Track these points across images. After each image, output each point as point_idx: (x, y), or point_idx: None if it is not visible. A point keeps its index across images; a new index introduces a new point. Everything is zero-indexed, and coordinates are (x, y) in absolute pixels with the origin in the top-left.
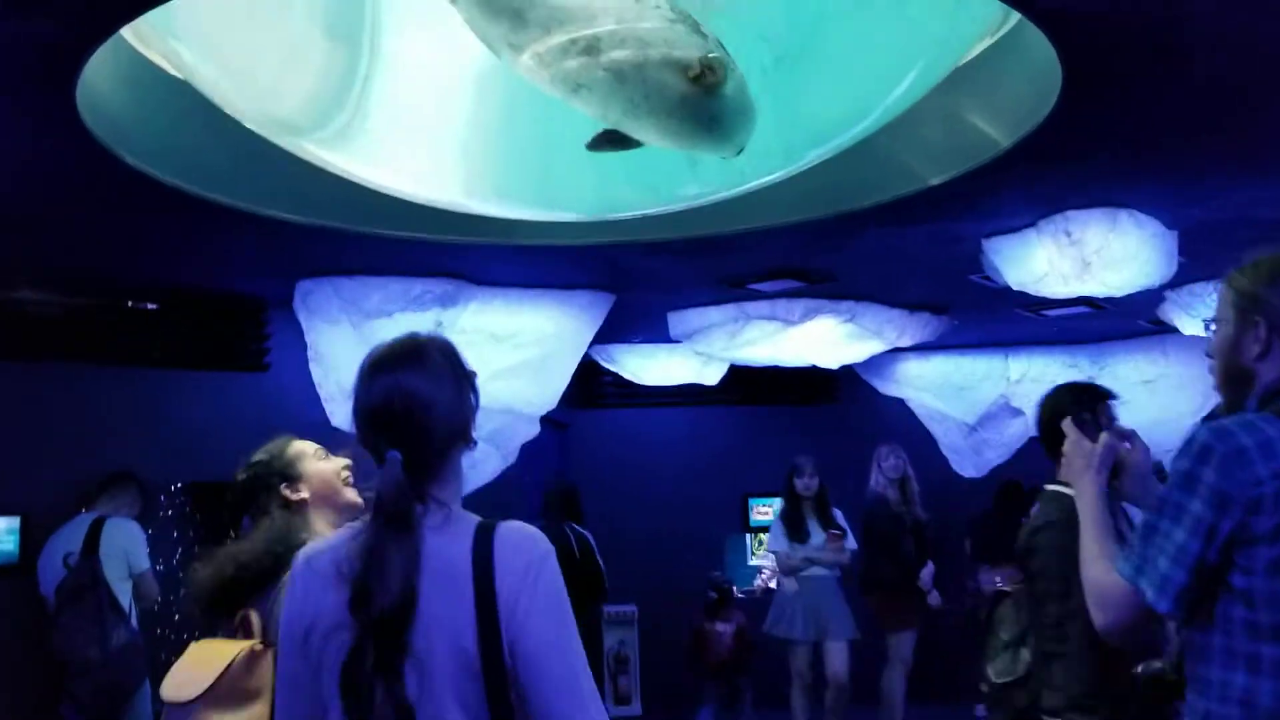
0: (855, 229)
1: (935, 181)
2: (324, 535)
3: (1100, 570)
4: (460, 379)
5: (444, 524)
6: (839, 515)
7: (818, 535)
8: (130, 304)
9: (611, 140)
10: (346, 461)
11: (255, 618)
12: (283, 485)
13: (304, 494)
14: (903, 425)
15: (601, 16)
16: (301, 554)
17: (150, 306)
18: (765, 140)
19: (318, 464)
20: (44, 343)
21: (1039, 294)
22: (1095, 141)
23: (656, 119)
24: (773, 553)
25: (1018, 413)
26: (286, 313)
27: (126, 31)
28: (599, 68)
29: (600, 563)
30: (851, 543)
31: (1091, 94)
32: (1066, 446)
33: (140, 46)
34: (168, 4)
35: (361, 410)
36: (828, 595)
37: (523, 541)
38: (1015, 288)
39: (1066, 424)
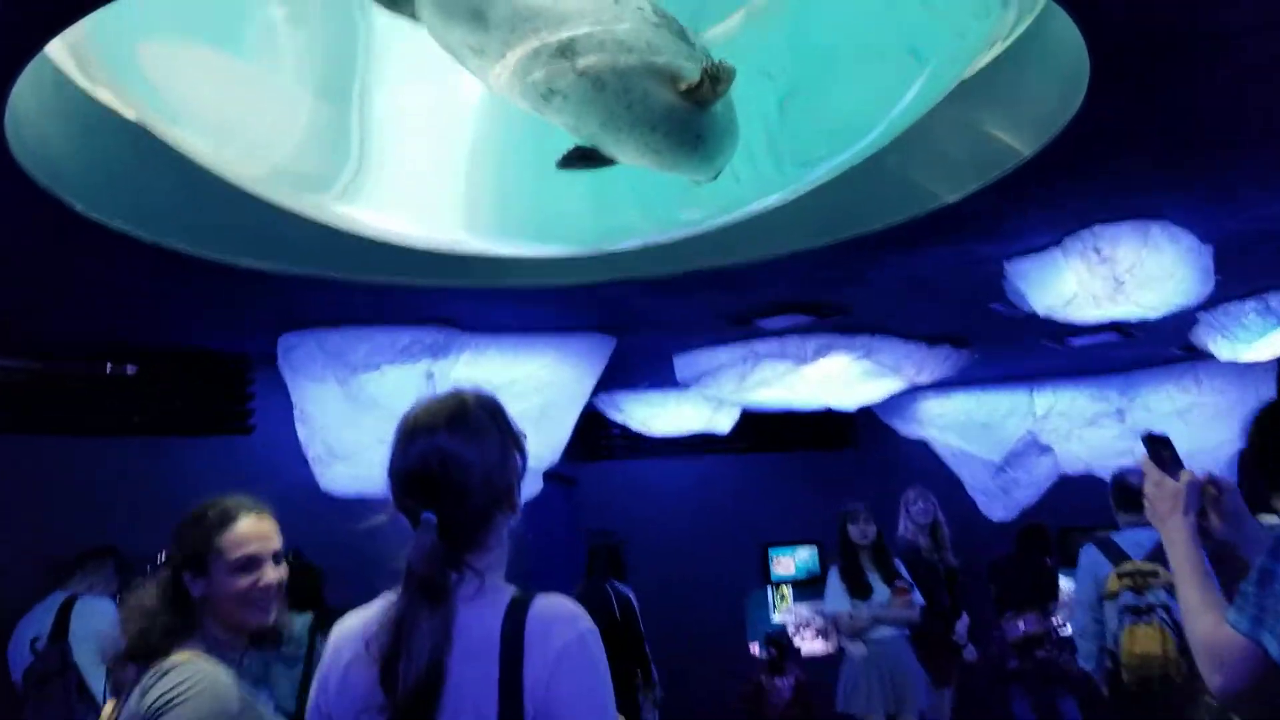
0: (867, 255)
1: (951, 199)
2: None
3: (1209, 624)
4: (505, 439)
5: (477, 595)
6: (901, 566)
7: (881, 590)
8: (110, 368)
9: (584, 157)
10: (279, 578)
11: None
12: (185, 569)
13: (200, 590)
14: (927, 467)
15: (575, 17)
16: (335, 629)
17: (130, 370)
18: (767, 159)
19: (237, 571)
20: (11, 413)
21: (1067, 319)
22: (1124, 144)
23: (638, 132)
24: (832, 614)
25: (1046, 449)
26: (271, 370)
27: (78, 76)
28: (574, 72)
29: (641, 629)
30: (919, 596)
31: (1121, 90)
32: (1147, 487)
33: (92, 89)
34: (132, 52)
35: (397, 472)
36: (901, 659)
37: (556, 621)
38: (1042, 313)
39: (1145, 462)
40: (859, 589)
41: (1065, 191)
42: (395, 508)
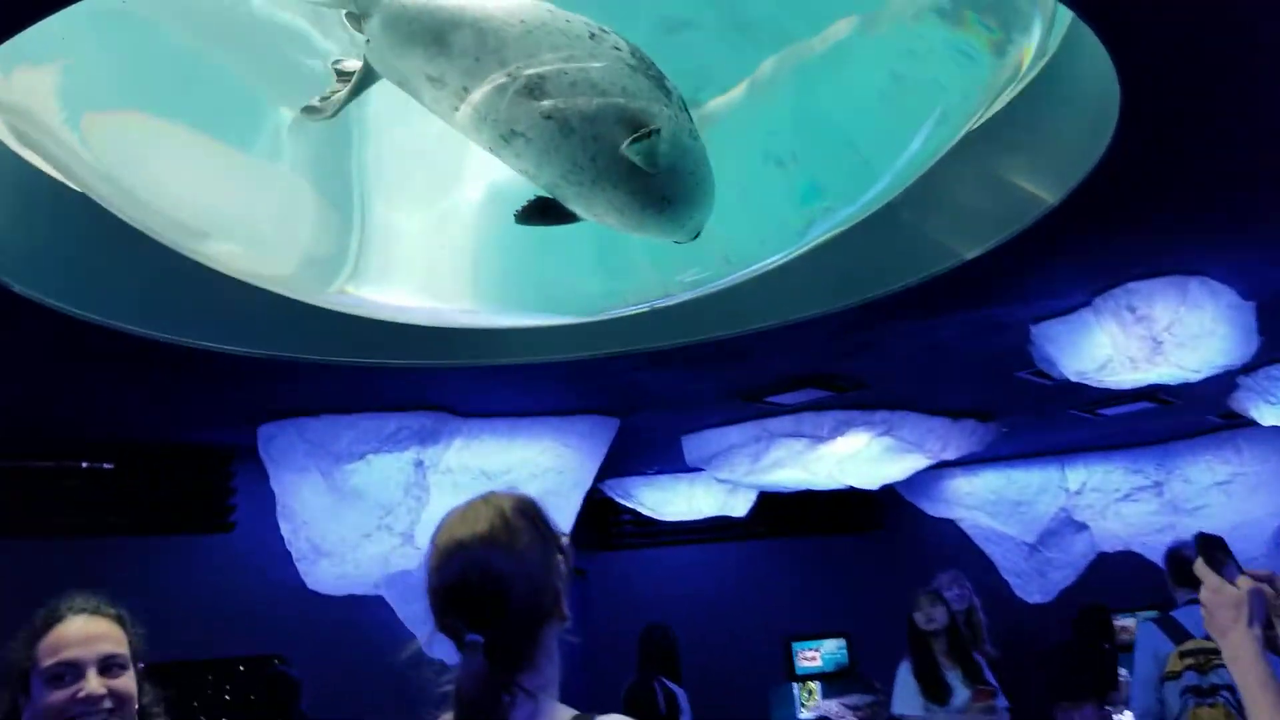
0: (883, 321)
1: (971, 255)
2: None
3: None
4: (547, 544)
5: (532, 719)
6: (984, 664)
7: (961, 692)
8: (85, 464)
9: (544, 211)
10: (120, 688)
11: None
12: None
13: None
14: (957, 549)
15: (546, 52)
16: None
17: (106, 466)
18: (769, 215)
19: (50, 682)
20: None
21: (1101, 384)
22: (1157, 189)
23: (600, 187)
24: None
25: (1082, 527)
26: (254, 463)
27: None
28: (540, 113)
29: None
30: (1004, 700)
31: (1154, 127)
32: (1204, 595)
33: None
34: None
35: (435, 590)
36: None
37: None
38: (1074, 379)
39: (1200, 567)
40: (935, 691)
41: (1095, 244)
42: (436, 628)
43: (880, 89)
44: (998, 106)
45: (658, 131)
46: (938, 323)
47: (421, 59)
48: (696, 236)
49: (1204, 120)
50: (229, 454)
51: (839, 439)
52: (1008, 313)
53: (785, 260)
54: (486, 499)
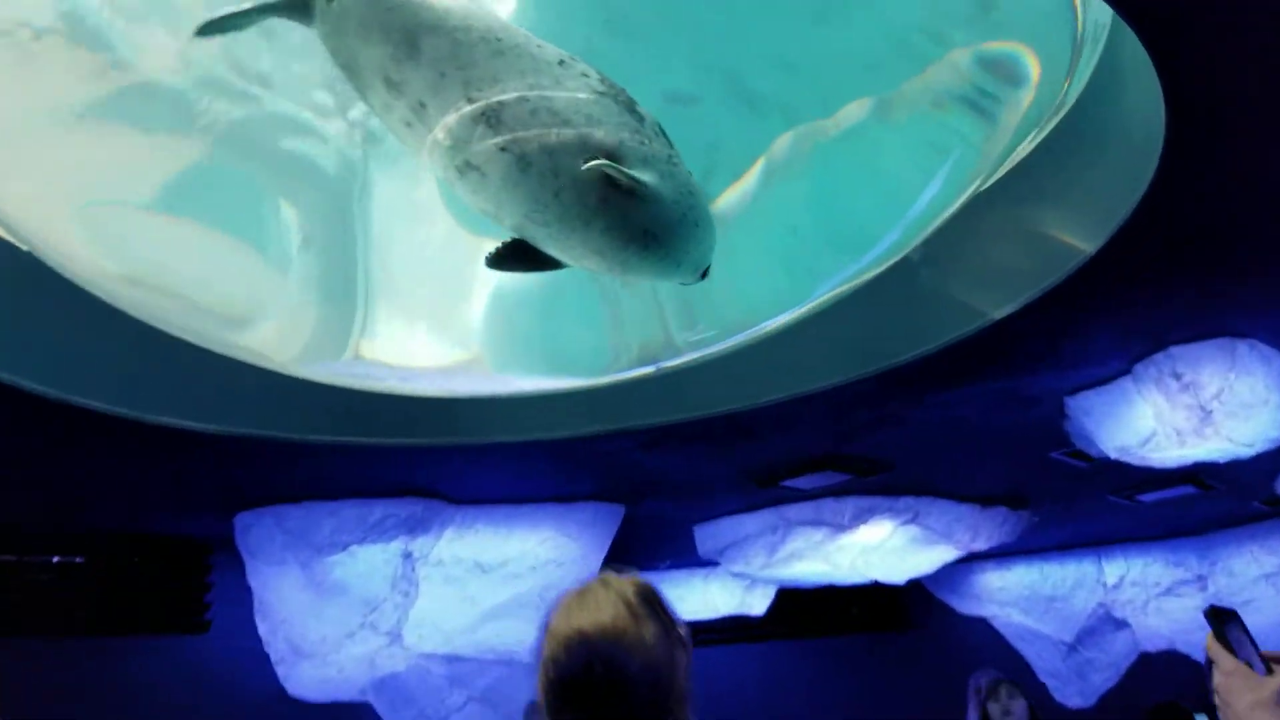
0: (903, 394)
1: (998, 315)
2: None
3: None
4: (671, 638)
5: None
6: None
7: None
8: (56, 559)
9: (519, 255)
10: None
11: None
12: None
13: None
14: (989, 649)
15: (509, 77)
16: None
17: (77, 560)
18: (777, 271)
19: None
20: None
21: (1145, 462)
22: (1202, 236)
23: (572, 226)
24: None
25: (1122, 624)
26: (231, 556)
27: None
28: (497, 147)
29: None
30: None
31: (1201, 165)
32: (1216, 679)
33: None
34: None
35: (553, 682)
36: None
37: None
38: (1114, 455)
39: (1211, 646)
40: None
41: (1134, 302)
42: None
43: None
44: (1024, 151)
45: (618, 154)
46: (963, 394)
47: (386, 56)
48: (704, 276)
49: (1260, 156)
50: (205, 547)
51: (861, 528)
52: (1039, 383)
53: (793, 321)
54: (606, 583)
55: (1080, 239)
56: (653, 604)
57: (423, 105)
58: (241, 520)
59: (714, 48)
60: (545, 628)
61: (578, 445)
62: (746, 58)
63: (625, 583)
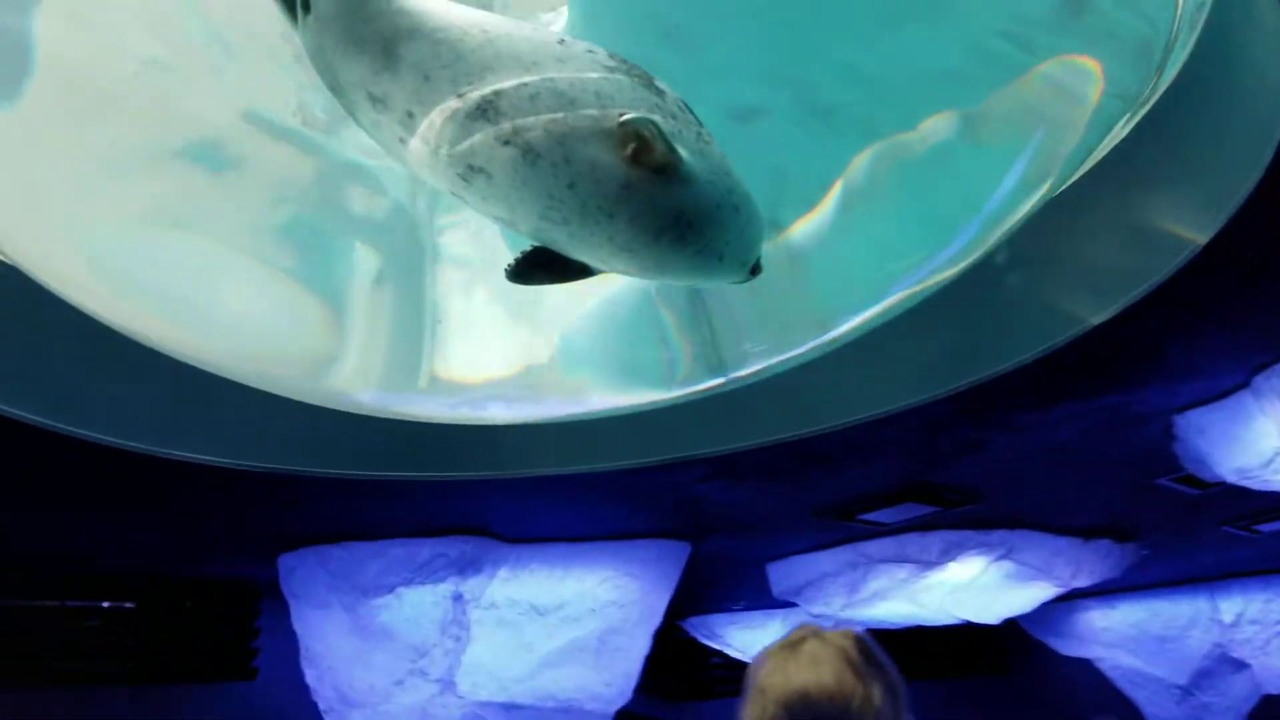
0: (991, 414)
1: (1096, 320)
2: None
3: None
4: (893, 691)
5: None
6: None
7: None
8: (106, 604)
9: (542, 264)
10: None
11: None
12: None
13: None
14: (1095, 694)
15: (505, 65)
16: None
17: (128, 605)
18: (843, 271)
19: None
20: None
21: (1268, 486)
22: None
23: (595, 220)
24: None
25: (1241, 665)
26: (278, 599)
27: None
28: (499, 141)
29: None
30: None
31: None
32: None
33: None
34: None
35: None
36: None
37: None
38: (1233, 479)
39: None
40: None
41: (1251, 301)
42: None
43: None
44: (1121, 132)
45: (648, 124)
46: (1057, 414)
47: (367, 71)
48: (755, 273)
49: None
50: (253, 590)
51: (949, 565)
52: (1144, 399)
53: (864, 330)
54: (822, 637)
55: (1188, 228)
56: (875, 663)
57: (410, 115)
58: (285, 562)
59: (779, 58)
60: (753, 684)
61: (637, 477)
62: (815, 67)
63: (842, 637)
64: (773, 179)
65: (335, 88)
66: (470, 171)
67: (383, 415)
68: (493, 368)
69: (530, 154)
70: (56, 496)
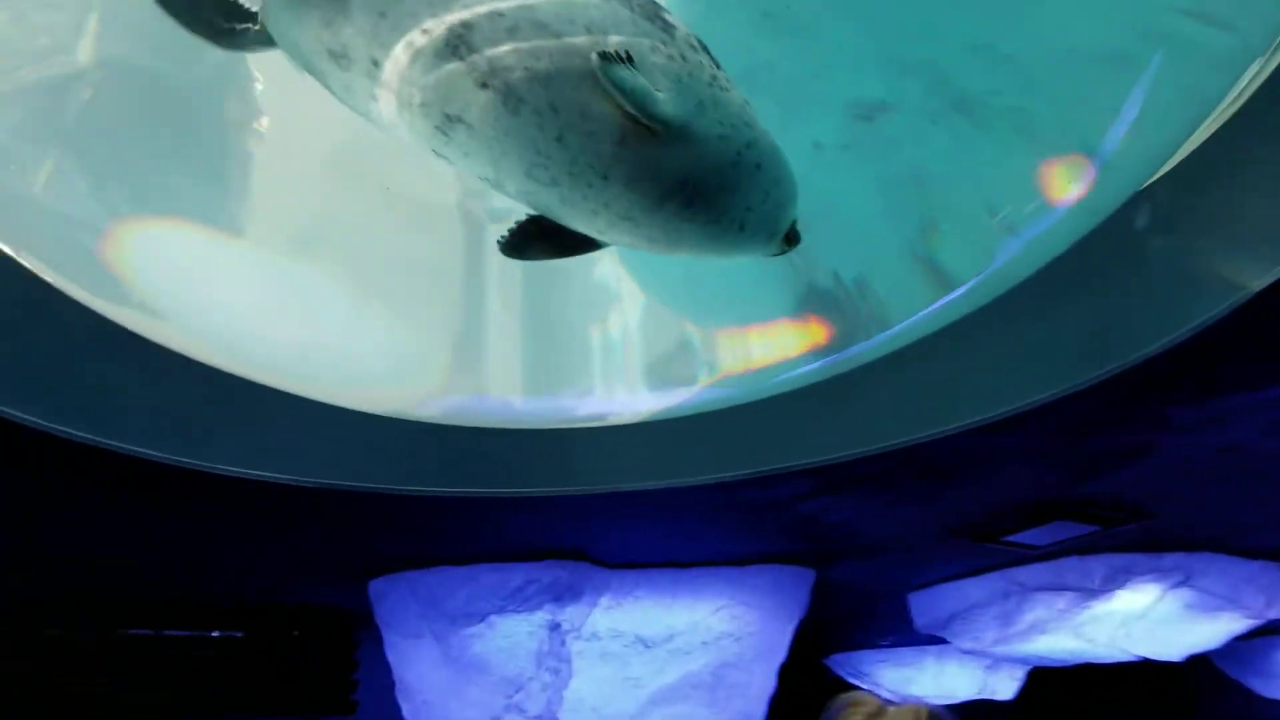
0: (1143, 408)
1: (1260, 284)
2: None
3: None
4: None
5: None
6: None
7: None
8: (217, 634)
9: (539, 235)
10: None
11: None
12: None
13: None
14: None
15: None
16: None
17: (237, 634)
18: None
19: None
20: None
21: None
22: None
23: (587, 181)
24: None
25: None
26: (375, 628)
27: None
28: (475, 83)
29: None
30: None
31: None
32: None
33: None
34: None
35: None
36: None
37: None
38: None
39: None
40: None
41: None
42: None
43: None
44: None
45: (628, 58)
46: (1226, 407)
47: (320, 25)
48: (793, 242)
49: None
50: (352, 618)
51: (1117, 593)
52: None
53: (984, 308)
54: (917, 713)
55: None
56: None
57: (376, 64)
58: (375, 588)
59: (901, 40)
60: None
61: (742, 490)
62: (945, 50)
63: (921, 711)
64: (911, 186)
65: (305, 66)
66: (448, 122)
67: (433, 421)
68: (587, 359)
69: (511, 99)
70: (168, 527)
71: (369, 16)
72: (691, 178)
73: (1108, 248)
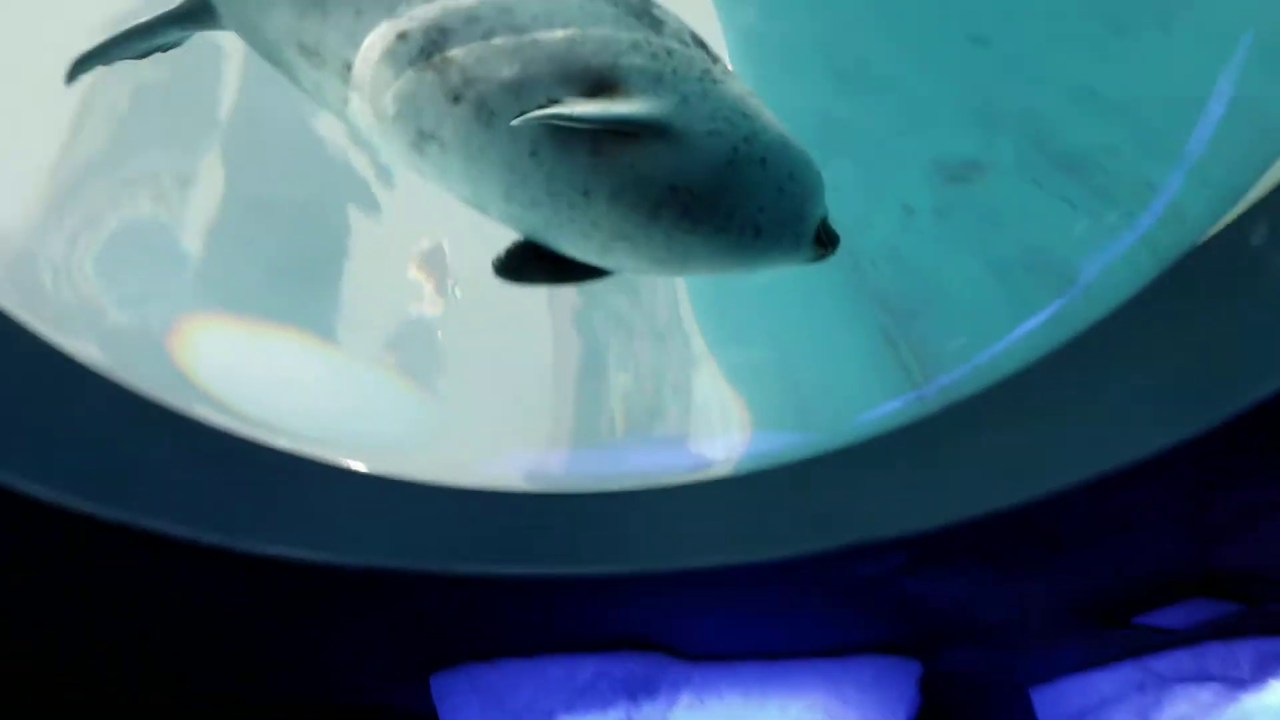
0: None
1: None
2: None
3: None
4: None
5: None
6: None
7: None
8: None
9: (531, 259)
10: None
11: None
12: None
13: None
14: None
15: None
16: None
17: None
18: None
19: None
20: None
21: None
22: None
23: (569, 205)
24: None
25: None
26: None
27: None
28: (449, 97)
29: None
30: None
31: None
32: None
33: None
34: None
35: None
36: None
37: None
38: None
39: None
40: None
41: None
42: None
43: None
44: None
45: (616, 78)
46: None
47: (292, 17)
48: (827, 245)
49: None
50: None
51: (1272, 683)
52: None
53: (1082, 335)
54: None
55: None
56: None
57: (349, 68)
58: (437, 684)
59: (991, 88)
60: None
61: (831, 565)
62: (1042, 98)
63: None
64: (1018, 257)
65: (268, 54)
66: (422, 139)
67: (487, 489)
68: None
69: (484, 112)
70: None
71: (346, 13)
72: (681, 181)
73: (1233, 269)
